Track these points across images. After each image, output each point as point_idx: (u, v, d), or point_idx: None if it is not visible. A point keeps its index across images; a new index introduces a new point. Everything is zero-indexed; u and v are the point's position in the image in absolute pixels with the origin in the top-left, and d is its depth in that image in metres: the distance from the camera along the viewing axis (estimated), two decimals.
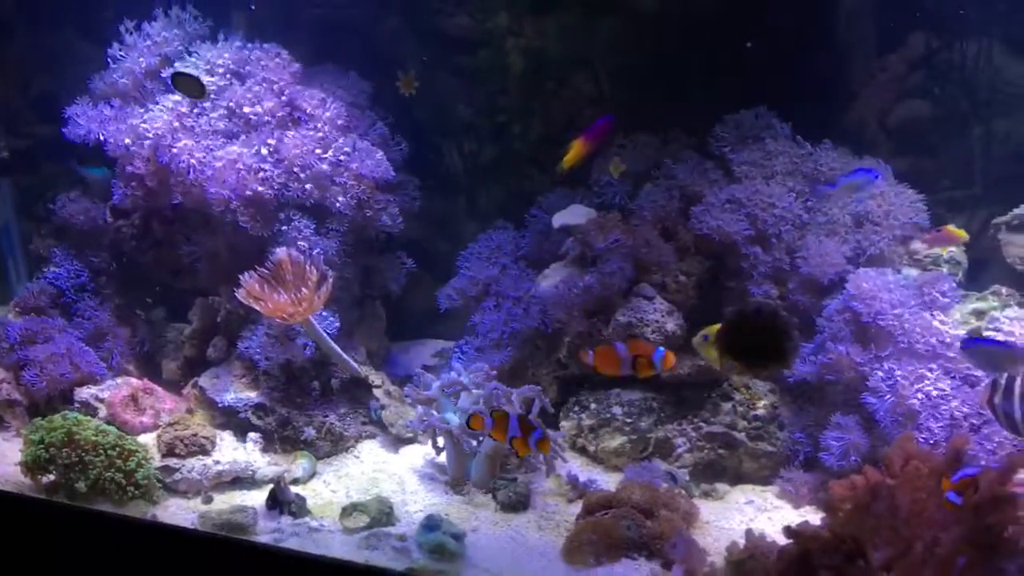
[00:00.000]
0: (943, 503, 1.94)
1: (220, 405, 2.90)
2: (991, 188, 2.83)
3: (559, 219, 2.87)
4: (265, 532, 2.44)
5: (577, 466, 2.78)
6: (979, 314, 2.52)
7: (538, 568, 2.31)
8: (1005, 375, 2.07)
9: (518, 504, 2.56)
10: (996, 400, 2.09)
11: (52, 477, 2.51)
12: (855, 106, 2.96)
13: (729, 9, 2.62)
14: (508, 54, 3.17)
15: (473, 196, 3.43)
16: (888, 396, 2.40)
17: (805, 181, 2.76)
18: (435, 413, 2.71)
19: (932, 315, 2.46)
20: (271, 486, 2.56)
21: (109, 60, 2.95)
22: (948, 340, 2.43)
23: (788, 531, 2.02)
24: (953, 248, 2.65)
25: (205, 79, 2.74)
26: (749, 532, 2.22)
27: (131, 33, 2.95)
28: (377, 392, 2.96)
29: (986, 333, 2.45)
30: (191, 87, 2.68)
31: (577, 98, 3.15)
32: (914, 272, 2.61)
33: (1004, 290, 2.58)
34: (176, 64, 2.85)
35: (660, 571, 2.26)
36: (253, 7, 3.11)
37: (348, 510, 2.47)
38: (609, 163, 2.90)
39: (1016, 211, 2.65)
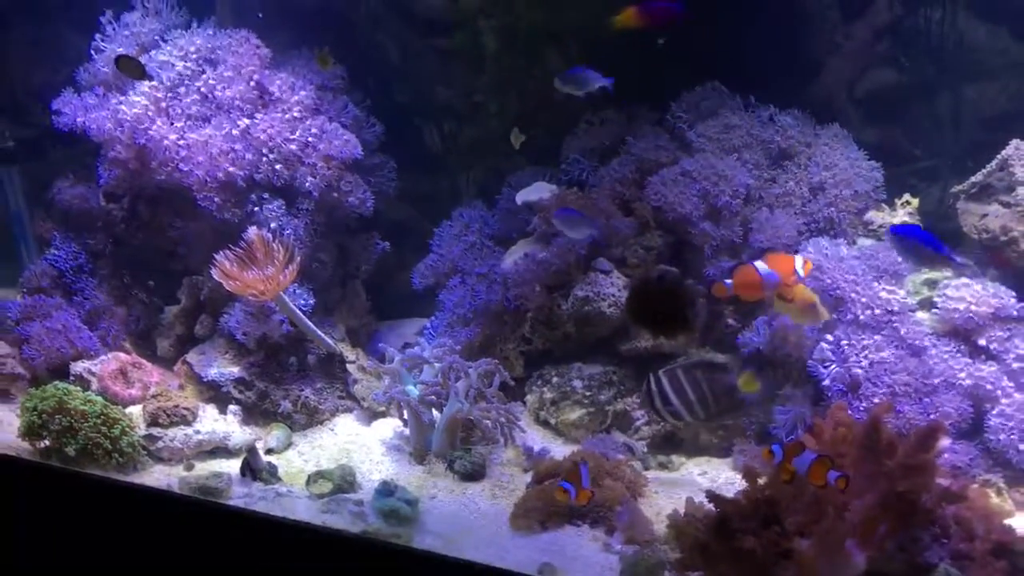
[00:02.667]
0: (861, 471, 1.96)
1: (204, 379, 3.03)
2: (962, 156, 2.77)
3: (522, 196, 2.92)
4: (237, 497, 2.56)
5: (538, 438, 2.85)
6: (931, 284, 2.49)
7: (486, 533, 2.38)
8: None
9: (474, 473, 2.63)
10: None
11: (47, 442, 2.67)
12: (822, 76, 2.93)
13: None
14: (482, 34, 3.21)
15: (454, 176, 3.49)
16: (833, 364, 2.41)
17: (763, 151, 2.76)
18: (398, 386, 2.81)
19: (882, 285, 2.45)
20: (244, 454, 2.71)
21: (92, 51, 3.10)
22: (895, 310, 2.41)
23: (709, 496, 2.06)
24: (907, 218, 2.62)
25: (181, 64, 2.89)
26: (689, 500, 2.26)
27: (111, 24, 3.09)
28: (351, 367, 3.07)
29: (936, 301, 2.43)
30: (132, 69, 2.82)
31: (549, 76, 3.18)
32: (868, 242, 2.60)
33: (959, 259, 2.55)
34: (151, 52, 2.99)
35: (603, 536, 2.32)
36: (260, 15, 3.22)
37: (313, 477, 2.58)
38: (574, 140, 2.94)
39: (973, 179, 2.59)
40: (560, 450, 2.74)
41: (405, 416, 2.81)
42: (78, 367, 3.06)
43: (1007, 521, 2.03)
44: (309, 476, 2.60)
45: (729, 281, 2.32)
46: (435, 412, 2.76)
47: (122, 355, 3.11)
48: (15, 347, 3.10)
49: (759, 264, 2.29)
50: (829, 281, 2.46)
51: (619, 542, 2.28)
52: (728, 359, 2.64)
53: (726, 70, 2.99)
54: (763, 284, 2.26)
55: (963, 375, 2.30)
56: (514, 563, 2.15)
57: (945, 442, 2.03)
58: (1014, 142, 2.55)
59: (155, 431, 2.82)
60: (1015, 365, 2.30)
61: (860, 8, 2.85)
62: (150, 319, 3.35)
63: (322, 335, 3.01)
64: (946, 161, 2.84)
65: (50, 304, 3.15)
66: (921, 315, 2.46)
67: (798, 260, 2.29)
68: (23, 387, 3.08)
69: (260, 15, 2.94)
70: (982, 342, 2.35)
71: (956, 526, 1.96)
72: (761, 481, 2.11)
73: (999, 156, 2.55)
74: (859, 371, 2.35)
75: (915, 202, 2.66)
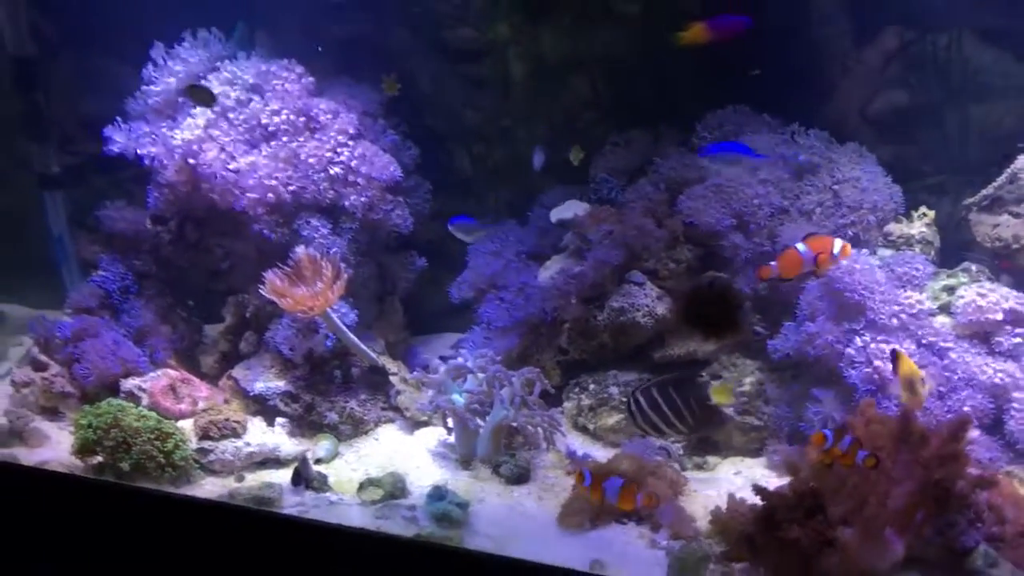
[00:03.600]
0: (898, 462, 2.09)
1: (251, 394, 3.12)
2: (972, 172, 2.93)
3: (556, 214, 3.06)
4: (290, 506, 2.65)
5: (578, 443, 2.97)
6: (950, 290, 2.64)
7: (535, 532, 2.50)
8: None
9: (520, 477, 2.75)
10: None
11: (100, 458, 2.75)
12: (836, 98, 3.10)
13: (711, 11, 2.76)
14: (510, 62, 3.36)
15: (483, 197, 3.62)
16: (862, 366, 2.55)
17: (786, 167, 2.92)
18: (444, 396, 2.92)
19: (905, 291, 2.60)
20: (296, 464, 2.81)
21: (143, 81, 3.23)
22: (916, 313, 2.56)
23: (756, 489, 2.18)
24: (924, 229, 2.78)
25: (232, 93, 3.04)
26: (731, 497, 2.38)
27: (163, 56, 3.22)
28: (393, 379, 3.18)
29: (954, 304, 2.60)
30: (203, 96, 2.99)
31: (575, 101, 3.34)
32: (888, 252, 2.75)
33: (974, 267, 2.70)
34: (201, 81, 3.12)
35: (649, 533, 2.44)
36: (320, 48, 3.36)
37: (364, 485, 2.68)
38: (601, 159, 3.09)
39: (984, 192, 2.76)
40: (601, 454, 2.85)
41: (450, 424, 2.92)
42: (128, 384, 3.14)
43: None
44: (360, 483, 2.70)
45: (774, 263, 2.47)
46: (479, 420, 2.87)
47: (171, 371, 3.21)
48: (64, 366, 3.19)
49: (799, 245, 2.45)
50: (859, 287, 2.60)
51: (665, 538, 2.39)
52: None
53: (746, 94, 3.15)
54: (803, 262, 2.42)
55: (983, 374, 2.45)
56: (564, 560, 2.23)
57: (974, 433, 2.16)
58: (1022, 157, 2.72)
59: (206, 444, 2.90)
60: None
61: (871, 34, 3.03)
62: (193, 337, 3.45)
63: (365, 348, 3.13)
64: (954, 177, 3.00)
65: (99, 324, 3.25)
66: (942, 319, 2.61)
67: (837, 243, 2.44)
68: (72, 405, 3.16)
69: (319, 48, 3.06)
70: (999, 341, 2.50)
71: (989, 511, 2.10)
72: (803, 474, 2.25)
73: (1009, 170, 2.72)
74: (887, 372, 2.49)
75: (931, 214, 2.82)
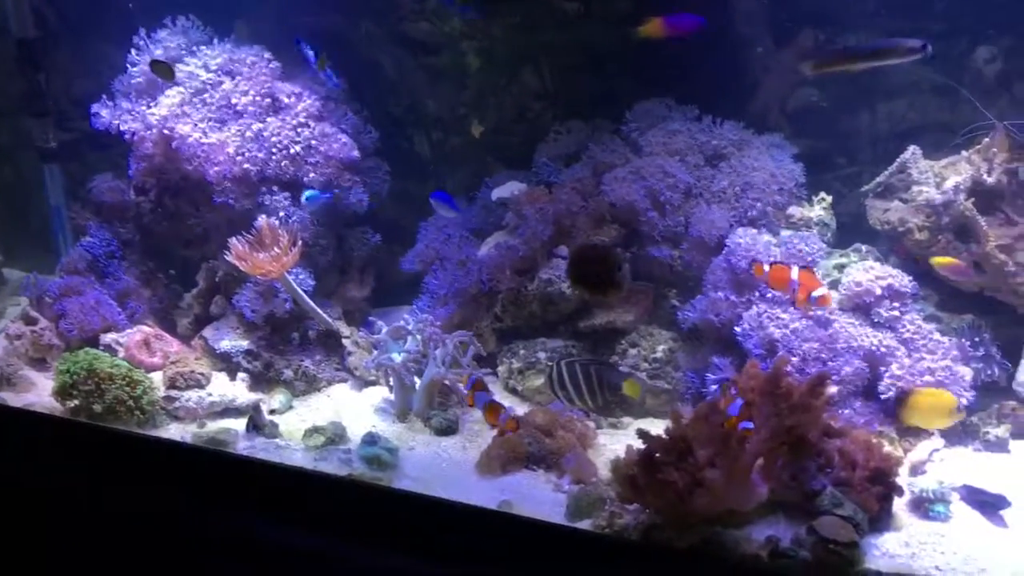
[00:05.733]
0: (761, 413, 2.28)
1: (217, 352, 3.35)
2: (878, 163, 3.09)
3: (496, 193, 3.27)
4: (242, 448, 2.85)
5: (507, 403, 3.18)
6: (840, 268, 2.84)
7: (456, 476, 2.70)
8: None
9: (448, 429, 2.96)
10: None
11: (76, 402, 2.96)
12: (759, 94, 3.30)
13: (644, 11, 2.97)
14: (465, 54, 3.60)
15: (441, 180, 3.84)
16: (755, 334, 2.75)
17: (702, 154, 3.13)
18: (385, 354, 3.15)
19: (798, 268, 2.79)
20: (251, 413, 3.05)
21: (127, 64, 3.49)
22: None
23: (639, 433, 2.38)
24: (822, 212, 2.98)
25: (204, 75, 3.33)
26: (629, 447, 2.58)
27: (144, 40, 3.47)
28: (346, 342, 3.40)
29: (842, 280, 2.79)
30: (164, 71, 3.27)
31: (525, 92, 3.57)
32: (788, 233, 2.94)
33: (864, 248, 2.90)
34: (178, 64, 3.39)
35: (555, 479, 2.63)
36: (299, 40, 3.59)
37: (309, 432, 2.88)
38: (544, 147, 3.32)
39: (878, 179, 2.94)
40: (524, 410, 3.07)
41: (391, 382, 3.15)
42: (107, 338, 3.39)
43: (899, 467, 2.37)
44: (305, 431, 2.91)
45: (768, 268, 2.65)
46: (416, 378, 3.10)
47: (146, 328, 3.45)
48: (52, 321, 3.45)
49: (794, 271, 2.63)
50: (751, 261, 2.80)
51: (568, 483, 2.59)
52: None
53: (679, 90, 3.35)
54: (790, 285, 2.60)
55: (862, 341, 2.64)
56: (478, 500, 2.42)
57: (832, 390, 2.35)
58: (911, 148, 2.90)
59: (173, 393, 3.13)
60: (906, 334, 2.65)
61: (788, 36, 3.23)
62: (172, 301, 3.69)
63: (321, 313, 3.36)
64: (865, 168, 3.18)
65: (84, 283, 3.50)
66: (831, 293, 2.80)
67: (821, 289, 2.61)
68: (57, 355, 3.38)
69: (299, 40, 3.31)
70: (880, 313, 2.69)
71: (839, 457, 2.29)
72: (681, 421, 2.44)
73: (898, 160, 2.90)
74: (776, 339, 2.69)
75: (829, 199, 3.01)
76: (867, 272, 2.72)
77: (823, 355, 2.63)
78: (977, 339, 2.72)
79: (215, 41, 3.52)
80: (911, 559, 2.10)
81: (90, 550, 2.58)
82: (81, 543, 2.59)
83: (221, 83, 3.38)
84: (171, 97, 3.35)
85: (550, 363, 3.09)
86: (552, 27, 3.41)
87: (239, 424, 3.04)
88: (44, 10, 3.87)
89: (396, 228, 3.76)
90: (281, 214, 3.28)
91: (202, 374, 3.20)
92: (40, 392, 3.22)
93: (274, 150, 3.28)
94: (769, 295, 2.76)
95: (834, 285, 2.82)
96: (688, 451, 2.26)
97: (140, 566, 2.53)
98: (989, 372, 2.69)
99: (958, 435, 2.64)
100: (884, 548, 2.15)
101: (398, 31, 3.64)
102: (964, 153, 2.86)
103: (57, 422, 3.01)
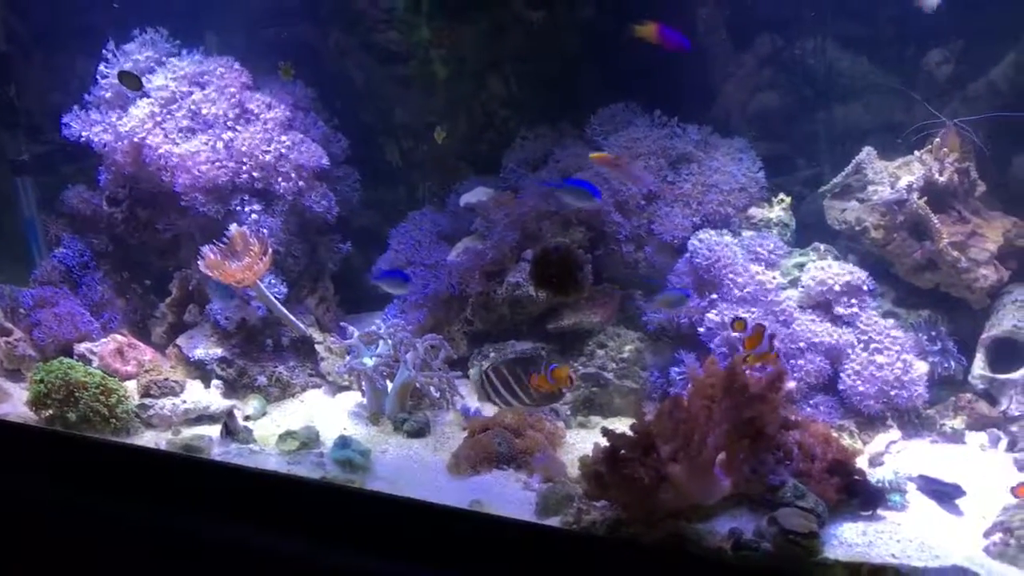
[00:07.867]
0: (721, 408, 2.30)
1: (191, 360, 3.33)
2: (838, 165, 3.13)
3: (464, 199, 3.27)
4: (216, 454, 2.84)
5: (477, 405, 3.19)
6: (800, 266, 2.87)
7: (427, 477, 2.69)
8: None
9: (419, 431, 2.95)
10: None
11: (51, 411, 2.92)
12: (719, 99, 3.33)
13: (607, 19, 3.00)
14: (433, 63, 3.61)
15: (412, 187, 3.85)
16: (718, 332, 2.77)
17: (665, 157, 3.16)
18: (357, 359, 3.15)
19: (758, 268, 2.83)
20: (225, 419, 3.04)
21: (97, 76, 3.46)
22: (769, 287, 2.78)
23: (603, 431, 2.39)
24: (782, 213, 3.02)
25: (174, 86, 3.33)
26: (595, 445, 2.60)
27: (113, 52, 3.46)
28: (319, 348, 3.39)
29: (803, 278, 2.82)
30: (132, 82, 3.27)
31: (492, 99, 3.58)
32: (749, 234, 2.98)
33: (822, 247, 2.93)
34: (148, 76, 3.38)
35: (524, 478, 2.65)
36: (283, 34, 3.61)
37: (284, 436, 2.87)
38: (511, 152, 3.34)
39: (835, 180, 2.98)
40: (493, 412, 3.08)
41: (364, 386, 3.15)
42: (81, 348, 3.36)
43: (858, 459, 2.39)
44: (279, 436, 2.90)
45: (749, 330, 2.55)
46: (388, 382, 3.09)
47: (119, 337, 3.43)
48: (26, 332, 3.43)
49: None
50: (717, 264, 2.82)
51: (537, 481, 2.60)
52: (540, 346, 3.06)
53: (644, 95, 3.37)
54: (760, 345, 2.56)
55: (822, 337, 2.67)
56: (449, 500, 2.42)
57: (791, 385, 2.38)
58: (866, 149, 2.94)
59: (147, 401, 3.11)
60: (864, 329, 2.68)
61: (748, 41, 3.26)
62: (146, 311, 3.67)
63: (294, 319, 3.36)
64: (825, 170, 3.21)
65: (58, 294, 3.48)
66: (791, 292, 2.83)
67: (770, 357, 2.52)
68: (32, 366, 3.35)
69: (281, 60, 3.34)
70: (838, 311, 2.73)
71: (798, 450, 2.32)
72: (645, 418, 2.46)
73: (854, 161, 2.94)
74: (738, 339, 2.71)
75: (788, 199, 3.05)
76: (825, 270, 2.75)
77: (785, 352, 2.66)
78: (934, 334, 2.76)
79: (184, 52, 3.51)
80: (868, 547, 2.12)
81: (65, 558, 2.58)
82: (56, 551, 2.59)
83: (191, 93, 3.37)
84: (141, 108, 3.33)
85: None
86: (518, 35, 3.42)
87: (213, 431, 3.02)
88: (15, 24, 3.85)
89: (368, 235, 3.76)
90: (252, 221, 3.26)
91: (176, 382, 3.19)
92: (15, 403, 3.19)
93: (245, 159, 3.27)
94: (733, 294, 2.79)
95: (794, 283, 2.84)
96: (652, 447, 2.28)
97: (115, 572, 2.53)
98: (946, 366, 2.73)
99: (915, 428, 2.68)
100: (843, 538, 2.17)
101: (367, 41, 3.64)
102: (917, 153, 2.90)
103: (32, 432, 3.00)
